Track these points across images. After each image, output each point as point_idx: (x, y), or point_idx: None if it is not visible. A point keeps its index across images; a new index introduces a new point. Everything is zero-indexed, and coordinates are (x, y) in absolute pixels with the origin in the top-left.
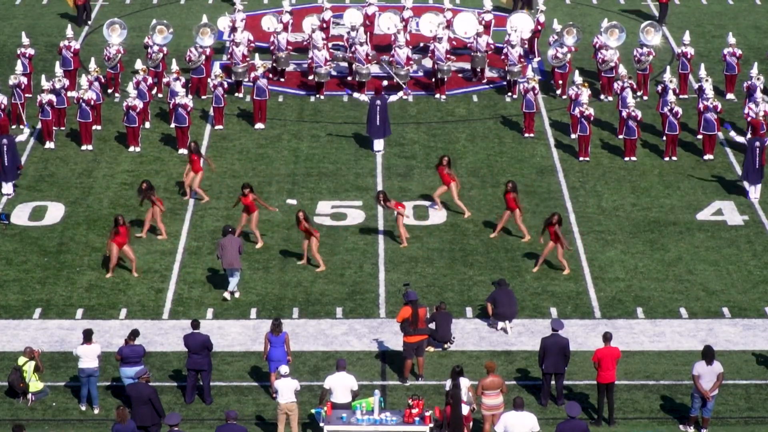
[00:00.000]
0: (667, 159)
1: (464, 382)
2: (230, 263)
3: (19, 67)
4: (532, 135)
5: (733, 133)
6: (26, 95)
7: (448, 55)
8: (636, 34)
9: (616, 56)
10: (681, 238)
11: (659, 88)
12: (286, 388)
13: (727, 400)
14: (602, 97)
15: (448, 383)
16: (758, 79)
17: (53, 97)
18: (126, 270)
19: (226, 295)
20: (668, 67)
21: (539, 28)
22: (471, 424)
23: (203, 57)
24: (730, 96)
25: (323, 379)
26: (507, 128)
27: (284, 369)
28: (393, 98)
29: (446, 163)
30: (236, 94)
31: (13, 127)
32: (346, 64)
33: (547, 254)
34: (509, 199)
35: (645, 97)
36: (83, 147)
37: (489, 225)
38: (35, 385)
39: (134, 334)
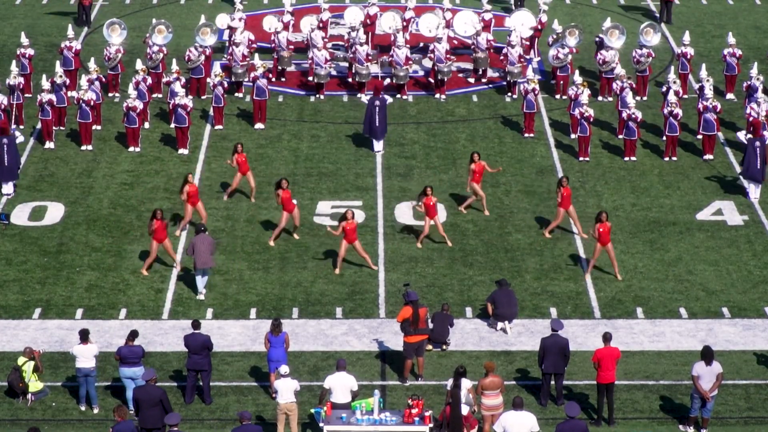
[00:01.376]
0: (666, 159)
1: (465, 383)
2: (204, 263)
3: (14, 68)
4: (532, 135)
5: (741, 134)
6: (25, 95)
7: (448, 55)
8: (636, 34)
9: (617, 57)
10: (681, 238)
11: (664, 88)
12: (286, 388)
13: (727, 400)
14: (600, 97)
15: (449, 383)
16: (758, 79)
17: (53, 97)
18: (126, 270)
19: (201, 297)
20: (672, 68)
21: (540, 27)
22: (477, 426)
23: (203, 57)
24: (730, 96)
25: (323, 379)
26: (507, 128)
27: (284, 369)
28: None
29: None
30: (236, 94)
31: (13, 127)
32: (346, 64)
33: (598, 256)
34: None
35: (644, 98)
36: (83, 147)
37: (489, 225)
38: (35, 385)
39: (133, 335)
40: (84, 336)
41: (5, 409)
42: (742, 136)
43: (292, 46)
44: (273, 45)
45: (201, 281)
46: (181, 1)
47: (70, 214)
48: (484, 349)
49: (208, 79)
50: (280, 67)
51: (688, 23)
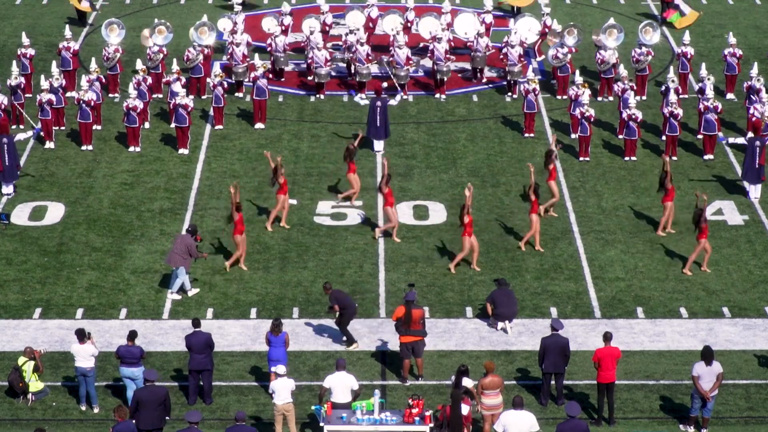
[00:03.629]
0: (667, 159)
1: (466, 383)
2: (169, 260)
3: (14, 68)
4: (532, 135)
5: (731, 139)
6: (26, 95)
7: (447, 56)
8: (635, 34)
9: (614, 56)
10: (681, 238)
11: (663, 88)
12: (283, 389)
13: (727, 400)
14: (600, 98)
15: (453, 380)
16: (758, 79)
17: (53, 97)
18: (126, 270)
19: (173, 296)
20: (671, 68)
21: (546, 30)
22: (470, 424)
23: (201, 56)
24: (730, 96)
25: (323, 379)
26: (507, 128)
27: (281, 369)
28: (393, 102)
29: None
30: (236, 94)
31: (13, 127)
32: (345, 65)
33: (698, 253)
34: None
35: (643, 97)
36: (83, 147)
37: (489, 225)
38: (35, 385)
39: (131, 335)
40: (80, 335)
41: (5, 409)
42: (736, 140)
43: (288, 48)
44: (269, 48)
45: (175, 283)
46: (181, 1)
47: (70, 214)
48: (484, 348)
49: (208, 79)
50: (277, 67)
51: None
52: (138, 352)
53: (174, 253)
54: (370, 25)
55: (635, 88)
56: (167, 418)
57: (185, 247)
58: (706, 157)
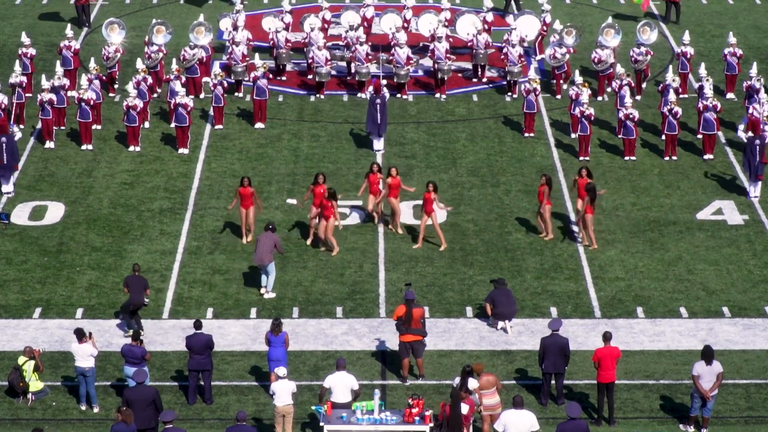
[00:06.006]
0: (666, 158)
1: (472, 383)
2: (260, 259)
3: (17, 67)
4: (532, 134)
5: (741, 128)
6: (27, 95)
7: (447, 55)
8: (634, 33)
9: (611, 56)
10: (681, 238)
11: (660, 87)
12: (284, 391)
13: (727, 399)
14: (599, 97)
15: (456, 381)
16: (758, 79)
17: (53, 97)
18: (126, 270)
19: (262, 291)
20: (670, 67)
21: (545, 29)
22: (470, 424)
23: (196, 56)
24: (730, 95)
25: (323, 379)
26: (507, 128)
27: (282, 371)
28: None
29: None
30: (236, 94)
31: (14, 126)
32: (345, 64)
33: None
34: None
35: (639, 97)
36: (83, 147)
37: (489, 225)
38: (35, 384)
39: (135, 335)
40: (79, 335)
41: (5, 409)
42: (741, 132)
43: (289, 44)
44: (272, 44)
45: (264, 279)
46: (180, 1)
47: (70, 214)
48: (484, 348)
49: (206, 79)
50: (279, 64)
51: (688, 23)
52: (139, 353)
53: (264, 252)
54: (365, 25)
55: (633, 85)
56: (159, 418)
57: (273, 243)
58: (705, 156)
